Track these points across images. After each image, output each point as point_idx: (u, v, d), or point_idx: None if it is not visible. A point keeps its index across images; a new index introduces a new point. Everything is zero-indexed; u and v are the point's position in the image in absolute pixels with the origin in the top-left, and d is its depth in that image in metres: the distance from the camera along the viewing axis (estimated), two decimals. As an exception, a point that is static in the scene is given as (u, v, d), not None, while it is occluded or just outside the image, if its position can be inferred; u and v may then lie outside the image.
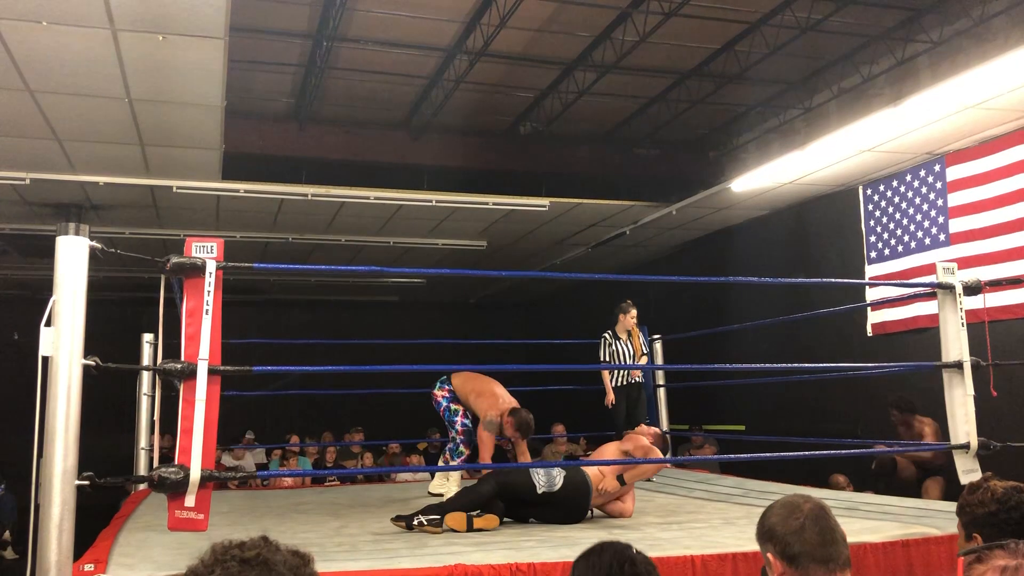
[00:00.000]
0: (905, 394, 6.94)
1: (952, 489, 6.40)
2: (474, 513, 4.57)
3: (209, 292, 3.28)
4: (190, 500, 3.15)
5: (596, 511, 5.08)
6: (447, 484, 5.91)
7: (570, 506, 4.82)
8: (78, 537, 2.99)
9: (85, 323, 3.03)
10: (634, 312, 7.41)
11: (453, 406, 6.00)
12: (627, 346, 7.37)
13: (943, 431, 5.07)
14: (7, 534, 9.34)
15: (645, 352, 7.44)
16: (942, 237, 7.45)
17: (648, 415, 7.43)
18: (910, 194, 7.81)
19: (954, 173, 7.36)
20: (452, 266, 12.05)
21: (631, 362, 7.29)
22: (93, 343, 3.08)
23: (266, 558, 1.29)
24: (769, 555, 2.04)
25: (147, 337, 6.59)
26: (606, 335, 7.41)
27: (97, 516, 4.80)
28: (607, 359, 7.32)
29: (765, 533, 2.07)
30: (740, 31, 7.31)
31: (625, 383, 7.34)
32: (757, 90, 8.48)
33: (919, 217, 7.69)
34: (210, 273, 3.28)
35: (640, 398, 7.44)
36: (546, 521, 4.82)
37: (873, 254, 8.23)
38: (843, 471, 7.29)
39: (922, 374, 6.31)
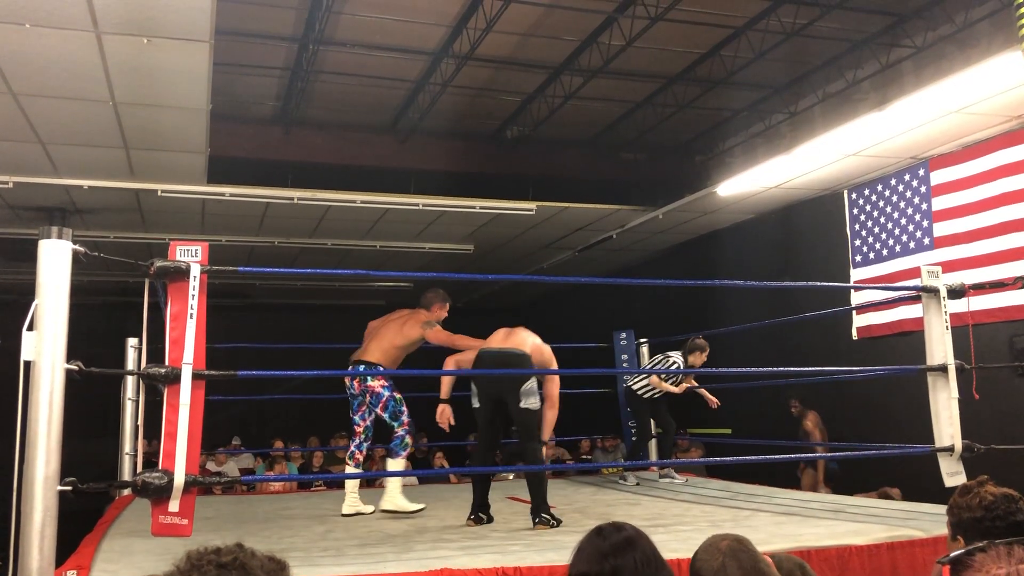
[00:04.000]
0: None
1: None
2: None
3: (193, 296, 3.26)
4: (174, 505, 3.13)
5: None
6: (392, 496, 5.44)
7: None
8: (62, 543, 2.96)
9: (68, 327, 3.00)
10: (703, 358, 7.04)
11: (397, 395, 5.52)
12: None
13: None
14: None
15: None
16: (926, 241, 7.49)
17: (633, 419, 7.39)
18: (895, 198, 7.85)
19: (938, 177, 7.41)
20: (439, 270, 12.00)
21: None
22: (77, 348, 3.05)
23: (243, 562, 1.28)
24: None
25: (131, 341, 6.57)
26: (678, 361, 7.02)
27: (82, 521, 4.77)
28: (665, 373, 7.03)
29: None
30: (726, 36, 7.34)
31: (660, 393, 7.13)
32: (743, 94, 8.52)
33: (903, 221, 7.74)
34: (194, 277, 3.26)
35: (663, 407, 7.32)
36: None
37: (858, 258, 8.27)
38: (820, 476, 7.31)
39: (905, 377, 6.34)
